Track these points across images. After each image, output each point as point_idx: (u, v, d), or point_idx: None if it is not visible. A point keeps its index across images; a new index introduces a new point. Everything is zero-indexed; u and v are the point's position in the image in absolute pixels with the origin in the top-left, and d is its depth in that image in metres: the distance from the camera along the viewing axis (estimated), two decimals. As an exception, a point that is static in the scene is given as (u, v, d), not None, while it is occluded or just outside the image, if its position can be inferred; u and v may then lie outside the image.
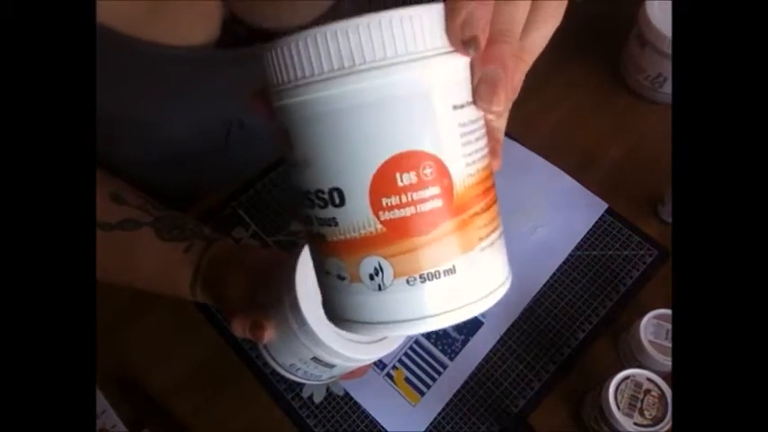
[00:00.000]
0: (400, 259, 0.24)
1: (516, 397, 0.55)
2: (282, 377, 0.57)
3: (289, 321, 0.40)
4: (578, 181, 0.66)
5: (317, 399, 0.56)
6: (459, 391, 0.56)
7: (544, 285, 0.60)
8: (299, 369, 0.44)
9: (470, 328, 0.58)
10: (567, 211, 0.64)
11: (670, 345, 0.52)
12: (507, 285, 0.28)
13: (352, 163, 0.24)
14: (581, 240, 0.62)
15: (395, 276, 0.25)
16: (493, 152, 0.28)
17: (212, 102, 0.52)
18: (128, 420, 0.55)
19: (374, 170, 0.24)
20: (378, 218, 0.24)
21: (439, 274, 0.25)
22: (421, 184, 0.24)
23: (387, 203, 0.24)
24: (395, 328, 0.25)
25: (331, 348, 0.39)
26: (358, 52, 0.23)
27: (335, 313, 0.27)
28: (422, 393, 0.56)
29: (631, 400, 0.48)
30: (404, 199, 0.24)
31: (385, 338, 0.42)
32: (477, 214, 0.26)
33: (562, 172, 0.66)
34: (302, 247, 0.41)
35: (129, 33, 0.44)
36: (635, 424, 0.47)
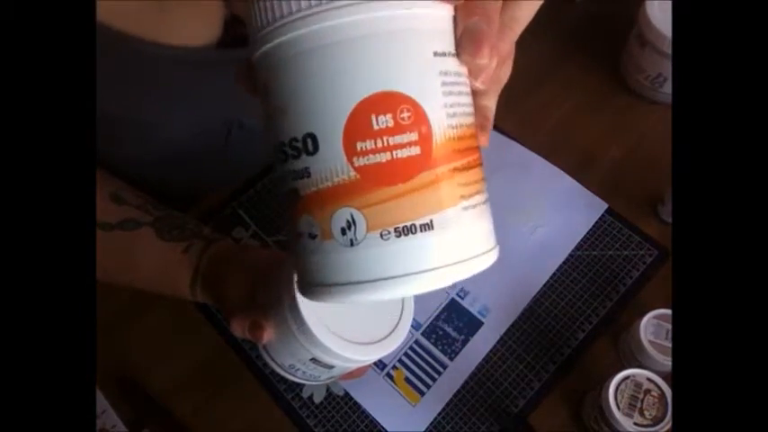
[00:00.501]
0: (374, 210, 0.23)
1: (516, 397, 0.55)
2: (282, 377, 0.57)
3: (288, 322, 0.40)
4: (578, 181, 0.66)
5: (317, 399, 0.56)
6: (459, 391, 0.56)
7: (544, 285, 0.60)
8: (297, 370, 0.44)
9: (470, 328, 0.58)
10: (567, 211, 0.64)
11: (670, 345, 0.52)
12: (493, 257, 0.26)
13: (326, 105, 0.23)
14: (581, 240, 0.62)
15: (368, 230, 0.23)
16: (481, 128, 0.27)
17: (213, 102, 0.52)
18: (128, 420, 0.55)
19: (349, 111, 0.23)
20: (352, 164, 0.23)
21: (415, 228, 0.23)
22: (398, 129, 0.23)
23: (361, 148, 0.23)
24: (366, 290, 0.24)
25: (329, 349, 0.39)
26: None
27: (307, 281, 0.26)
28: (422, 393, 0.56)
29: (631, 400, 0.48)
30: (379, 143, 0.23)
31: (384, 339, 0.42)
32: (457, 170, 0.24)
33: (562, 172, 0.66)
34: None
35: (131, 33, 0.44)
36: (635, 424, 0.47)
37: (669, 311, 0.53)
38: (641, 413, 0.48)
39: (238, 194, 0.68)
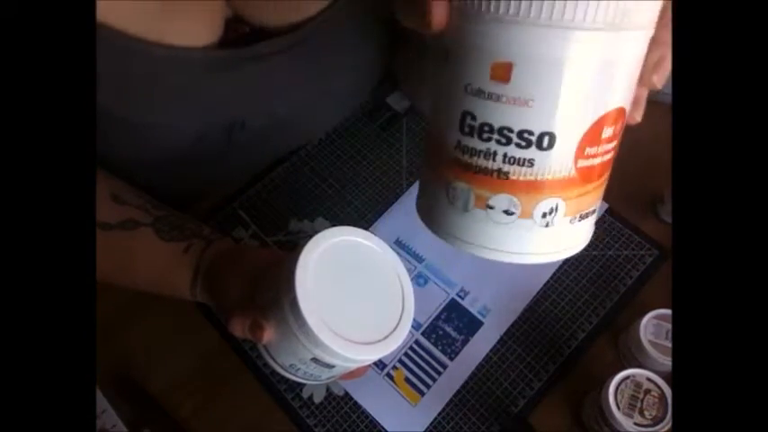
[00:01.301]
0: (574, 201, 0.28)
1: (516, 397, 0.55)
2: (282, 377, 0.57)
3: (288, 322, 0.40)
4: (578, 181, 0.66)
5: (317, 399, 0.56)
6: (459, 391, 0.56)
7: (544, 285, 0.60)
8: (298, 369, 0.44)
9: (470, 328, 0.58)
10: (567, 211, 0.64)
11: (670, 345, 0.52)
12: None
13: (575, 113, 0.26)
14: (581, 240, 0.62)
15: (564, 215, 0.28)
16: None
17: (215, 103, 0.52)
18: (128, 420, 0.55)
19: (593, 122, 0.26)
20: (575, 164, 0.27)
21: (588, 214, 0.29)
22: (614, 137, 0.28)
23: (587, 153, 0.27)
24: (557, 254, 0.29)
25: (330, 349, 0.39)
26: (620, 12, 0.24)
27: (484, 246, 0.29)
28: (422, 393, 0.56)
29: (631, 400, 0.48)
30: (600, 150, 0.27)
31: (385, 338, 0.42)
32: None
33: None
34: (302, 246, 0.41)
35: (132, 34, 0.44)
36: (635, 424, 0.47)
37: (669, 311, 0.53)
38: (641, 413, 0.48)
39: (238, 194, 0.68)
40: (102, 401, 0.55)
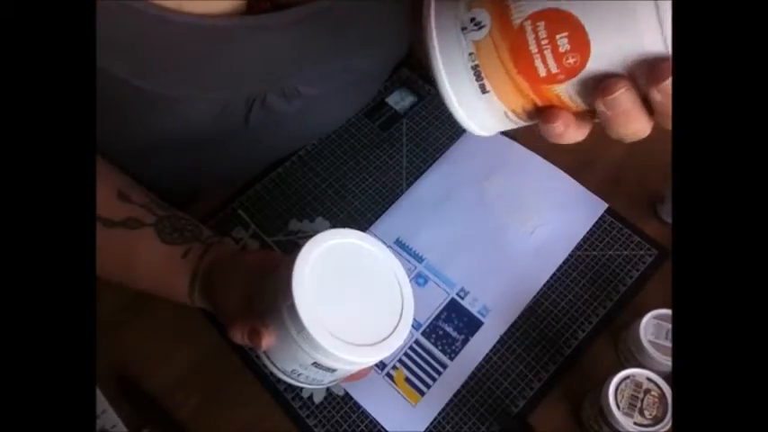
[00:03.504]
0: None
1: (516, 397, 0.55)
2: (282, 377, 0.57)
3: (287, 327, 0.40)
4: (578, 181, 0.66)
5: (317, 399, 0.56)
6: (459, 391, 0.56)
7: (544, 285, 0.60)
8: (300, 374, 0.44)
9: (470, 328, 0.58)
10: (566, 211, 0.64)
11: (670, 345, 0.52)
12: None
13: None
14: (581, 240, 0.62)
15: None
16: None
17: (236, 75, 0.51)
18: (128, 420, 0.55)
19: None
20: None
21: None
22: None
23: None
24: None
25: (331, 353, 0.39)
26: None
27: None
28: (422, 393, 0.56)
29: (631, 399, 0.48)
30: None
31: (385, 339, 0.42)
32: None
33: (562, 172, 0.66)
34: (298, 251, 0.41)
35: (151, 1, 0.43)
36: (635, 424, 0.47)
37: (669, 311, 0.53)
38: (641, 413, 0.48)
39: (238, 194, 0.68)
40: (102, 401, 0.55)
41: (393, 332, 0.42)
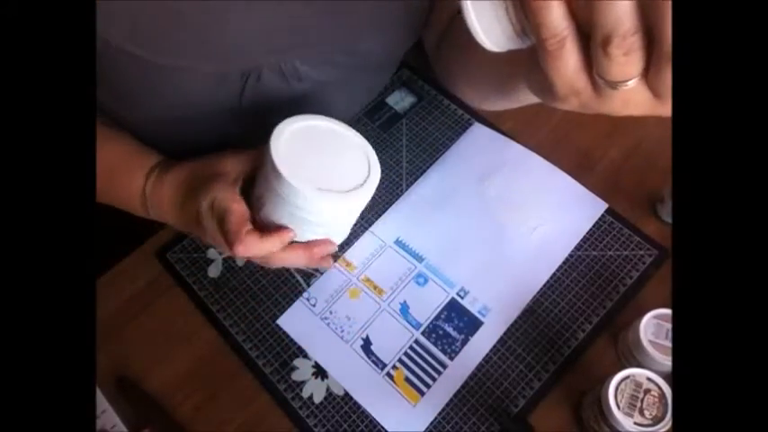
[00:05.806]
0: None
1: (516, 397, 0.55)
2: (282, 377, 0.57)
3: (276, 192, 0.46)
4: (578, 181, 0.66)
5: (317, 399, 0.56)
6: (459, 391, 0.56)
7: (544, 285, 0.60)
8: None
9: (470, 328, 0.58)
10: (566, 211, 0.64)
11: (670, 345, 0.52)
12: None
13: None
14: (581, 240, 0.62)
15: None
16: None
17: (232, 46, 0.50)
18: (128, 420, 0.55)
19: None
20: None
21: None
22: None
23: None
24: None
25: (314, 198, 0.46)
26: None
27: None
28: (422, 393, 0.56)
29: (631, 399, 0.48)
30: None
31: (360, 187, 0.48)
32: None
33: (562, 171, 0.66)
34: (271, 131, 0.48)
35: None
36: (635, 424, 0.47)
37: (669, 311, 0.53)
38: (641, 413, 0.48)
39: (238, 194, 0.67)
40: (102, 401, 0.55)
41: (365, 182, 0.49)
